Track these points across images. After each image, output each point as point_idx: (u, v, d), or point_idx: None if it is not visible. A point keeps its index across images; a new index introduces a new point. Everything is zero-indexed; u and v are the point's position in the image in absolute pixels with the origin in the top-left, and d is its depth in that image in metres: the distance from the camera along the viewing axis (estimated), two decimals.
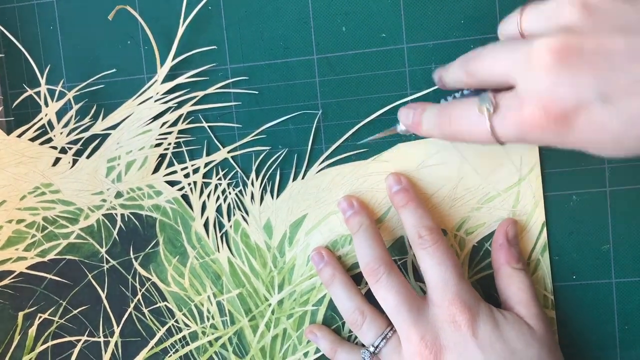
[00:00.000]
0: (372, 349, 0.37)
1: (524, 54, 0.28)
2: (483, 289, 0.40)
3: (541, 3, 0.29)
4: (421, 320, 0.35)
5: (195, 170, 0.43)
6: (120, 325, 0.45)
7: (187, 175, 0.43)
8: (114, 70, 0.43)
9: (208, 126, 0.42)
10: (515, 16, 0.31)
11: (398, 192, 0.39)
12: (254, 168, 0.42)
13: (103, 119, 0.43)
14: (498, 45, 0.31)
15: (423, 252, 0.36)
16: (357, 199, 0.40)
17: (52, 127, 0.44)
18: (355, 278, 0.41)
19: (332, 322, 0.42)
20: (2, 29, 0.44)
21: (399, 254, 0.41)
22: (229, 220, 0.43)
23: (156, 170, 0.43)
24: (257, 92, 0.41)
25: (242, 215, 0.42)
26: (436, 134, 0.34)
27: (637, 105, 0.24)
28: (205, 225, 0.43)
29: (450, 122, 0.32)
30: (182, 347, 0.44)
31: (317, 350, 0.42)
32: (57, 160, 0.44)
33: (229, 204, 0.42)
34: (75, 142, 0.44)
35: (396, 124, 0.38)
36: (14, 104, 0.44)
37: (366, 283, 0.41)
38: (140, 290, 0.44)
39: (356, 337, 0.42)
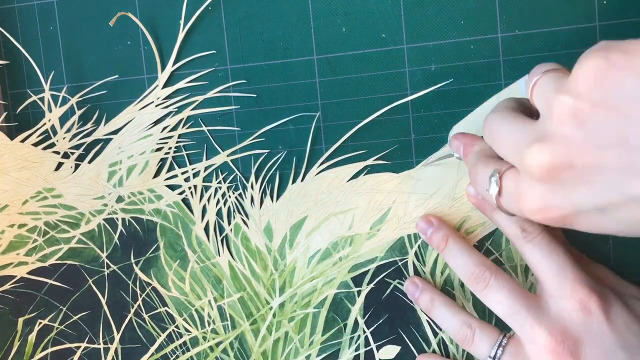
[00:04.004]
0: None
1: (520, 155, 0.26)
2: None
3: (548, 85, 0.27)
4: (543, 316, 0.32)
5: (196, 174, 0.43)
6: (121, 332, 0.44)
7: (187, 179, 0.43)
8: (116, 76, 0.43)
9: (208, 130, 0.42)
10: (529, 86, 0.29)
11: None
12: (253, 171, 0.42)
13: (105, 122, 0.43)
14: (504, 127, 0.29)
15: (529, 245, 0.34)
16: (434, 215, 0.39)
17: (55, 132, 0.44)
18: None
19: (334, 324, 0.41)
20: (3, 31, 0.44)
21: (399, 254, 0.40)
22: (229, 223, 0.42)
23: (157, 174, 0.43)
24: (255, 95, 0.41)
25: (242, 219, 0.42)
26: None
27: (634, 215, 0.23)
28: (206, 229, 0.43)
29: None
30: (183, 352, 0.43)
31: (320, 353, 0.41)
32: (60, 165, 0.44)
33: (229, 208, 0.42)
34: (77, 147, 0.44)
35: (450, 150, 0.38)
36: (17, 110, 0.45)
37: None
38: (141, 296, 0.44)
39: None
